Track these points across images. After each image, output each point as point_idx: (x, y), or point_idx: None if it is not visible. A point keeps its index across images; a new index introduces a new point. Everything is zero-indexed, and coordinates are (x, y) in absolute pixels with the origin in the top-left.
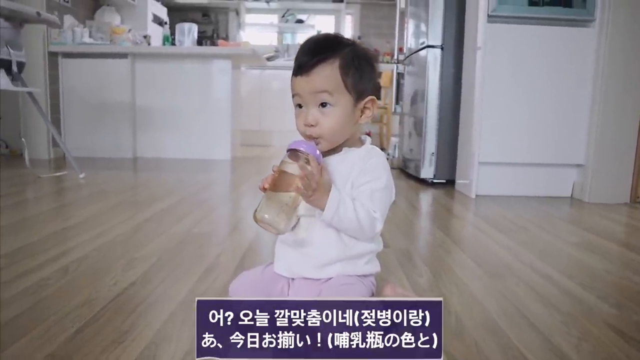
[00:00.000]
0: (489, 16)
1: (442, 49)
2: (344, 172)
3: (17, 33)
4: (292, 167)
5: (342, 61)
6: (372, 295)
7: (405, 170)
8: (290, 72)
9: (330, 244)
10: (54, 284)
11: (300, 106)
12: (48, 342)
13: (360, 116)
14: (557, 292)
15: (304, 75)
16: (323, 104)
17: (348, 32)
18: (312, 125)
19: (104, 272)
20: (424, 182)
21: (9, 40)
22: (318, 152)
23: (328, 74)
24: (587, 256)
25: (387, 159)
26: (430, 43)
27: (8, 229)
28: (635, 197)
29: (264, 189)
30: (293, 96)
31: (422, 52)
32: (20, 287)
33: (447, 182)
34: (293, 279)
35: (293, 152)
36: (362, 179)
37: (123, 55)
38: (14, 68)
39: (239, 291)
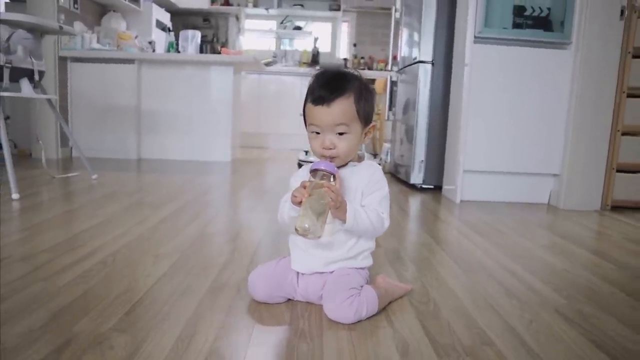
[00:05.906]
0: (475, 37)
1: (432, 64)
2: (355, 183)
3: (38, 43)
4: (321, 184)
5: (355, 94)
6: (367, 282)
7: (396, 176)
8: (286, 77)
9: (338, 247)
10: (97, 275)
11: (317, 132)
12: (107, 320)
13: (364, 138)
14: (519, 285)
15: (324, 107)
16: (340, 132)
17: (344, 39)
18: (330, 149)
19: (135, 265)
20: (413, 187)
21: (32, 51)
22: (336, 168)
23: (346, 107)
24: (552, 257)
25: (379, 163)
26: (422, 59)
27: (38, 227)
28: (605, 205)
29: (299, 202)
30: (309, 124)
31: (414, 66)
32: (67, 278)
33: (435, 188)
34: (303, 273)
35: (315, 172)
36: (371, 188)
37: (130, 61)
38: (36, 76)
39: (257, 280)
